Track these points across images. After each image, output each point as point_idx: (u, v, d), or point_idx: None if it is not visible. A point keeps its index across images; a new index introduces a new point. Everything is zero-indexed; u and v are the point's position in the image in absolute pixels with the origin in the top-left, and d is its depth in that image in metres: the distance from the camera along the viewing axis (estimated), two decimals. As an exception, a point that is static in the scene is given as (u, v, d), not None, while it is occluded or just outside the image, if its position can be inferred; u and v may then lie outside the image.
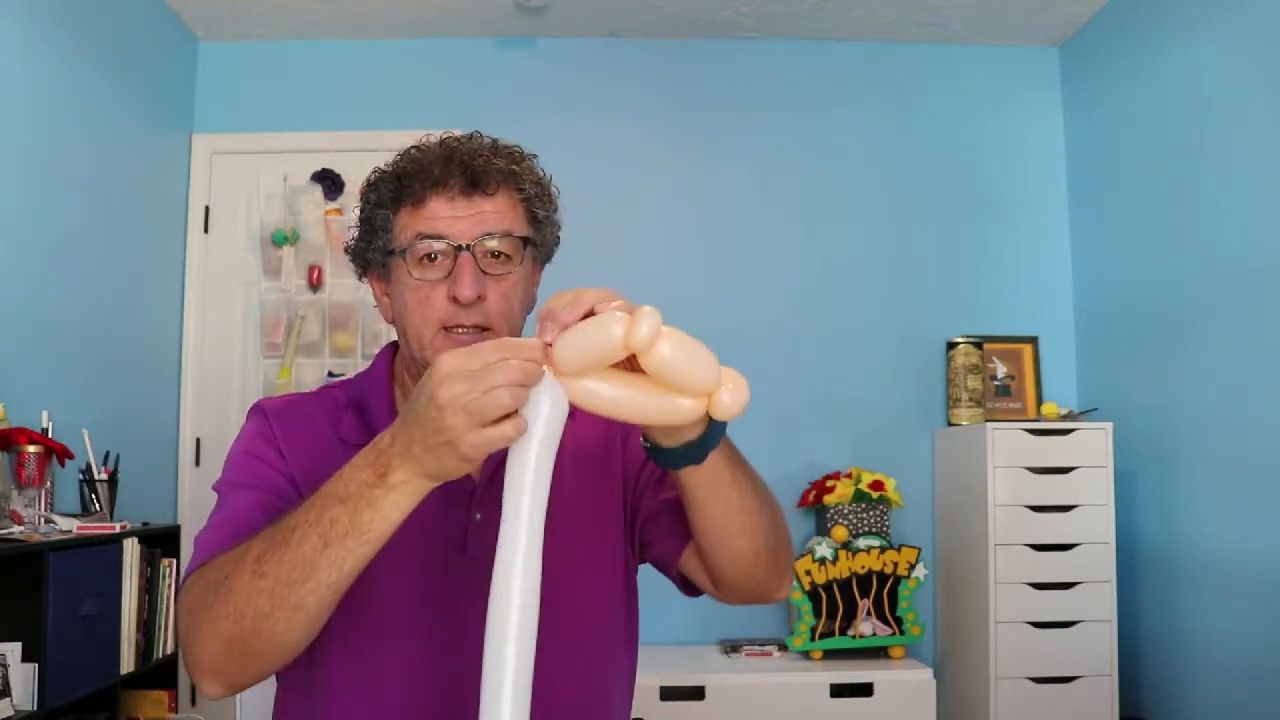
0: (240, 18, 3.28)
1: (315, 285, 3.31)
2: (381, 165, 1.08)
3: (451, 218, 1.01)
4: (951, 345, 3.28)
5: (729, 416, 0.79)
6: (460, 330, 1.01)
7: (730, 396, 0.77)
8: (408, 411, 0.79)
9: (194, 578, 0.92)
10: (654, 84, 3.47)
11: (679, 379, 0.75)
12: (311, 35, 3.41)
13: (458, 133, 1.07)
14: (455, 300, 1.00)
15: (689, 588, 1.12)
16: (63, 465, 2.24)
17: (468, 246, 1.00)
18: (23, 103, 2.42)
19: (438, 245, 1.00)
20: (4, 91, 2.35)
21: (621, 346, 0.74)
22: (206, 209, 3.36)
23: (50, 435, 2.24)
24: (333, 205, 3.35)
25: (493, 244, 1.01)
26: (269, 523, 0.96)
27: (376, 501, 0.80)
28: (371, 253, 1.07)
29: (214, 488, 1.04)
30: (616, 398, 0.78)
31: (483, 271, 1.01)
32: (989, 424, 2.94)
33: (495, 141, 1.07)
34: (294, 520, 0.83)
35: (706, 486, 0.93)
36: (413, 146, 1.06)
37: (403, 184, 1.02)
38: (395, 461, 0.79)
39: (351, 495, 0.80)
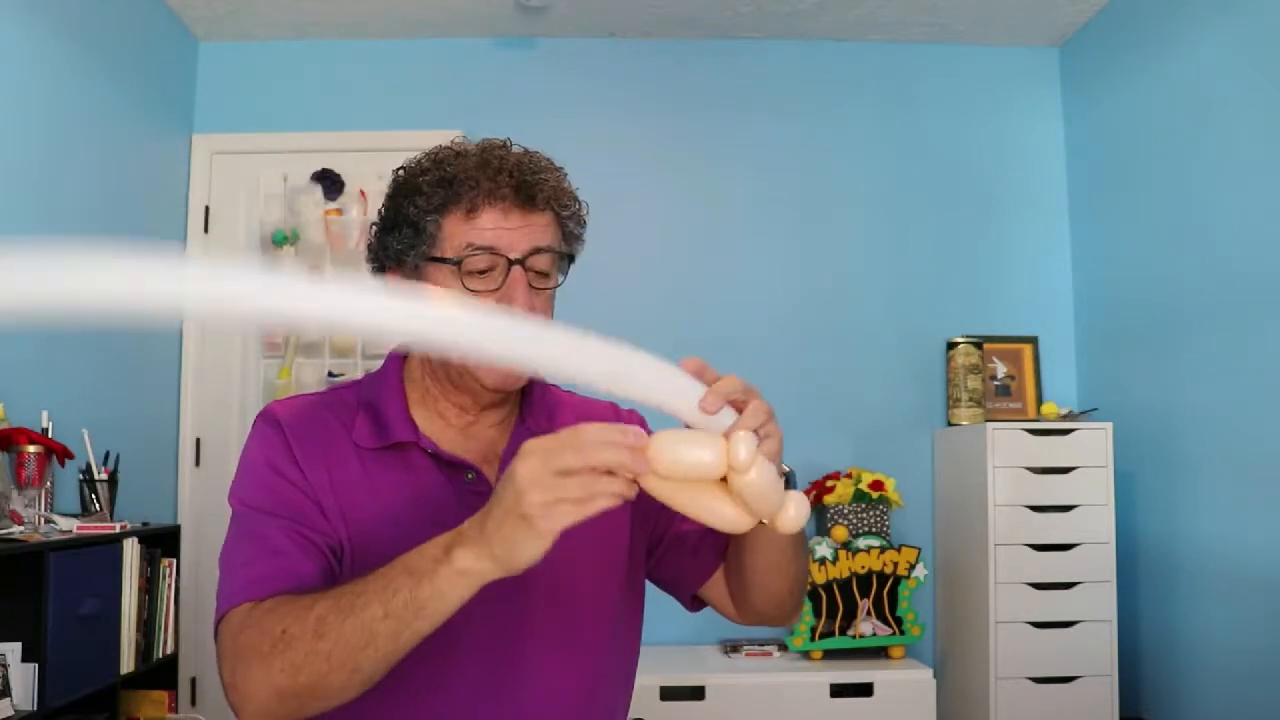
0: (240, 18, 3.28)
1: (315, 285, 3.31)
2: (411, 165, 1.07)
3: (503, 230, 1.01)
4: (951, 345, 3.28)
5: (793, 530, 0.83)
6: None
7: (796, 511, 0.82)
8: (495, 492, 0.81)
9: (240, 618, 0.91)
10: (654, 84, 3.47)
11: (756, 503, 0.79)
12: (311, 35, 3.41)
13: (492, 139, 1.07)
14: None
15: (696, 605, 1.15)
16: (63, 465, 2.24)
17: (520, 261, 1.01)
18: (22, 103, 2.42)
19: (490, 259, 1.01)
20: (4, 92, 2.35)
21: (717, 470, 0.77)
22: (206, 209, 3.36)
23: (50, 435, 2.24)
24: (333, 205, 3.34)
25: (539, 260, 1.03)
26: (302, 553, 0.96)
27: (437, 579, 0.80)
28: (411, 256, 1.05)
29: (233, 504, 1.02)
30: (680, 499, 0.82)
31: (530, 286, 1.02)
32: (989, 424, 2.94)
33: (529, 152, 1.06)
34: (361, 586, 0.84)
35: (767, 542, 1.00)
36: (447, 148, 1.06)
37: (455, 190, 1.01)
38: (466, 541, 0.80)
39: (418, 569, 0.81)
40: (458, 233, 1.01)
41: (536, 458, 0.76)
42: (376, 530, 1.00)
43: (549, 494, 0.75)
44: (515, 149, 1.06)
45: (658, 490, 0.80)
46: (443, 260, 1.02)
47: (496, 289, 1.01)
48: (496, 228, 1.01)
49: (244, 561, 0.96)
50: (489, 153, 1.03)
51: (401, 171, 1.07)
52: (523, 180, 1.01)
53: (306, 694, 0.85)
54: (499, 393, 1.06)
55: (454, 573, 0.80)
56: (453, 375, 1.05)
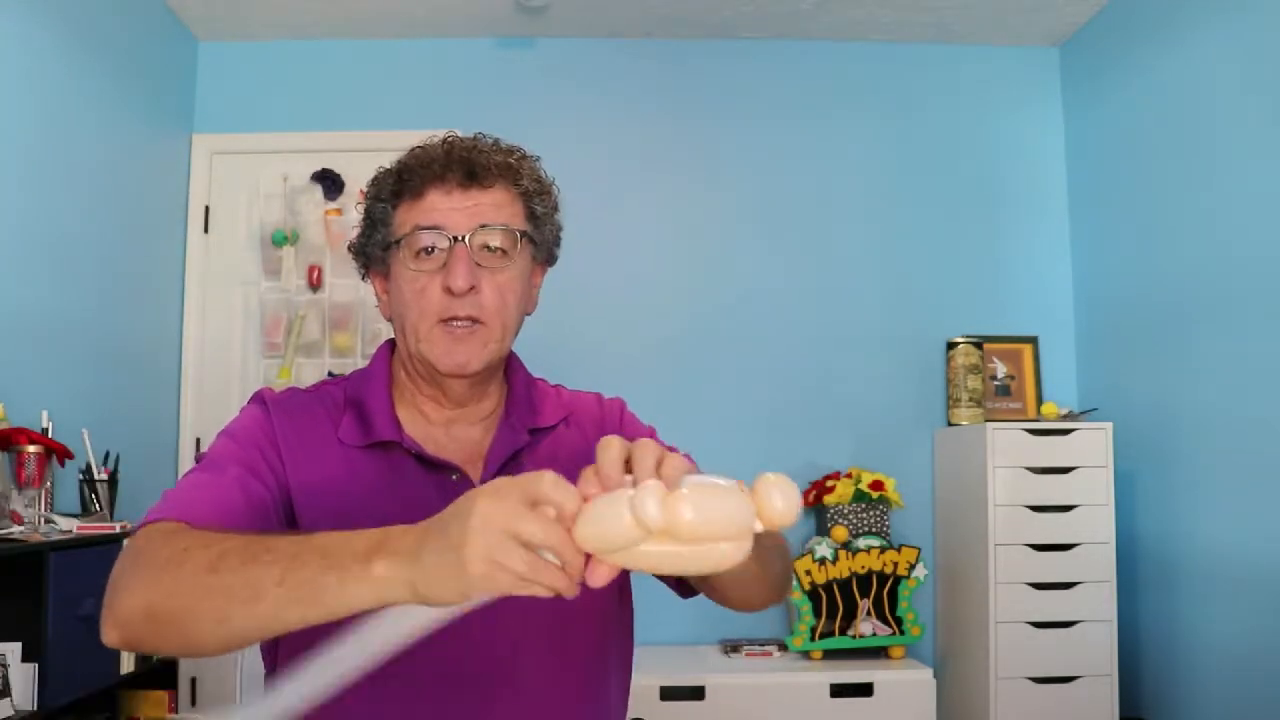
0: (240, 18, 3.28)
1: (315, 285, 3.31)
2: (385, 164, 1.10)
3: (448, 209, 1.02)
4: (951, 345, 3.28)
5: (787, 523, 0.69)
6: (456, 323, 1.02)
7: (783, 501, 0.67)
8: (442, 515, 0.70)
9: (158, 527, 0.89)
10: (654, 84, 3.47)
11: (716, 534, 0.65)
12: (311, 35, 3.41)
13: (460, 134, 1.09)
14: (449, 291, 1.01)
15: (687, 591, 1.13)
16: (63, 465, 2.24)
17: (462, 238, 1.01)
18: (23, 103, 2.42)
19: (434, 236, 1.01)
20: (4, 92, 2.35)
21: (639, 530, 0.64)
22: (206, 209, 3.36)
23: (50, 435, 2.24)
24: (333, 205, 3.35)
25: (488, 236, 1.02)
26: (246, 505, 0.95)
27: (348, 576, 0.71)
28: (371, 247, 1.08)
29: (198, 456, 1.05)
30: (655, 559, 0.67)
31: (477, 264, 1.02)
32: (989, 424, 2.94)
33: (498, 141, 1.08)
34: (277, 542, 0.77)
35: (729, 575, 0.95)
36: (416, 146, 1.08)
37: (403, 179, 1.04)
38: (393, 553, 0.70)
39: (334, 556, 0.72)
40: (408, 218, 1.04)
41: (505, 503, 0.65)
42: (347, 524, 1.00)
43: (495, 554, 0.64)
44: (486, 139, 1.07)
45: (633, 566, 0.68)
46: (396, 244, 1.04)
47: (442, 268, 1.02)
48: (442, 208, 1.02)
49: (189, 486, 0.97)
50: (448, 142, 1.05)
51: (377, 171, 1.10)
52: (470, 160, 1.03)
53: (170, 622, 0.79)
54: (461, 379, 1.05)
55: (367, 578, 0.70)
56: (420, 369, 1.06)
